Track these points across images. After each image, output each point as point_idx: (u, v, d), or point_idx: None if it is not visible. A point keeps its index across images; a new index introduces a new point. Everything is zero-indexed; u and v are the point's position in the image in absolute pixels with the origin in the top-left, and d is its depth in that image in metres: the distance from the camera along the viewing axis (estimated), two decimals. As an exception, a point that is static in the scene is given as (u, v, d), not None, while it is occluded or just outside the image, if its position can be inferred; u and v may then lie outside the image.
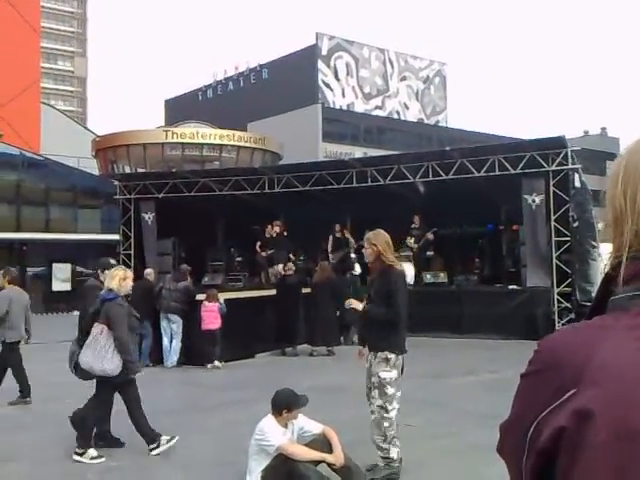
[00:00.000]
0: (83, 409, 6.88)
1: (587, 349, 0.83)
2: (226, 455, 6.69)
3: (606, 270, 0.93)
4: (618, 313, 0.87)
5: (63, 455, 6.81)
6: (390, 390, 5.70)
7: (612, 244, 0.93)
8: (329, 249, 17.26)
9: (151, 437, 6.76)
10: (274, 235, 16.88)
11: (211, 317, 12.46)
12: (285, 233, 17.11)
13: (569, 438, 0.80)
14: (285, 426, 5.37)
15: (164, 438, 6.75)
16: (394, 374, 5.71)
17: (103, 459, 6.57)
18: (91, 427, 6.81)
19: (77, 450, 6.58)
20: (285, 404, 5.34)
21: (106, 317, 6.59)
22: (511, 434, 0.91)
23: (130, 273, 7.04)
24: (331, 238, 17.29)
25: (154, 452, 6.69)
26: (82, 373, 6.80)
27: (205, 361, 12.42)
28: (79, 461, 6.49)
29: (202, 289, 15.37)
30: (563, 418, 0.81)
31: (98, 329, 6.61)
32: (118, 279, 6.75)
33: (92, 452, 6.59)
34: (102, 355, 6.50)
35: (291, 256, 17.12)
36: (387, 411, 5.71)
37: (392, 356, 5.71)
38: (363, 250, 6.09)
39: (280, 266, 16.70)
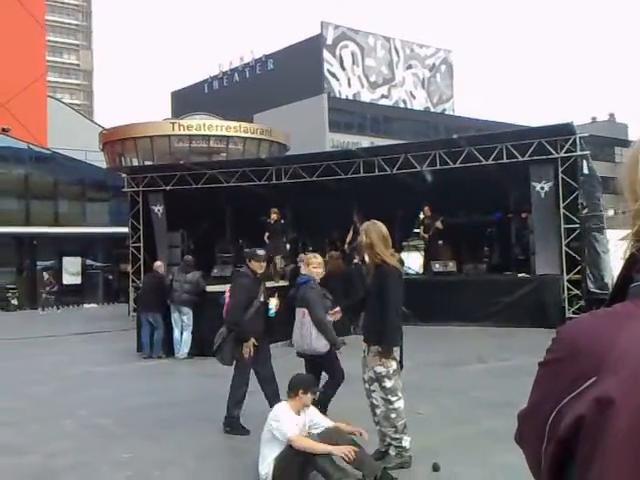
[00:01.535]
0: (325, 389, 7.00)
1: (608, 337, 0.83)
2: (239, 445, 6.73)
3: (626, 257, 0.93)
4: (639, 300, 0.87)
5: (77, 447, 6.86)
6: (388, 383, 5.70)
7: (632, 230, 0.92)
8: (348, 239, 17.15)
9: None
10: (272, 222, 16.80)
11: None
12: (282, 220, 17.02)
13: (589, 426, 0.80)
14: (298, 413, 5.41)
15: None
16: (390, 366, 5.71)
17: None
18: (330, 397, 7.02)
19: None
20: (304, 384, 5.45)
21: (304, 300, 6.90)
22: (530, 422, 0.91)
23: (320, 259, 7.31)
24: (352, 228, 17.17)
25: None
26: (222, 358, 6.89)
27: None
28: None
29: (211, 281, 15.41)
30: (584, 406, 0.81)
31: (300, 313, 6.92)
32: (310, 265, 7.11)
33: None
34: (308, 336, 6.80)
35: (287, 246, 17.08)
36: (391, 403, 5.72)
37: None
38: (359, 239, 6.03)
39: (277, 259, 16.57)
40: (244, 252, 7.95)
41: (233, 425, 7.13)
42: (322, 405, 6.73)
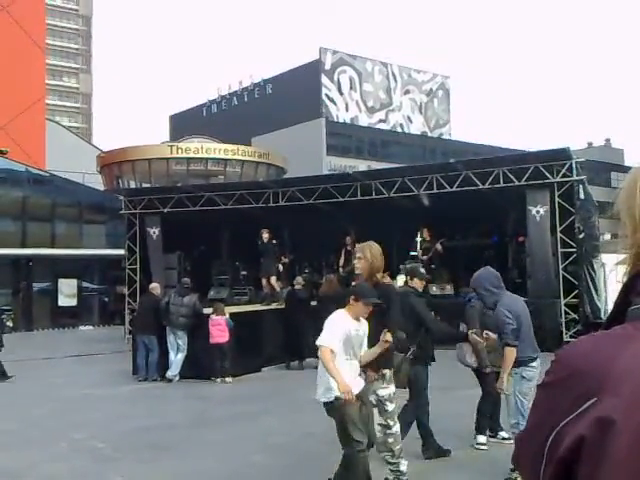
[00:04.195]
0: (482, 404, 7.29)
1: (607, 358, 0.83)
2: (233, 469, 6.66)
3: (624, 280, 0.93)
4: (638, 323, 0.87)
5: (71, 471, 6.79)
6: (390, 406, 5.69)
7: (629, 254, 0.93)
8: (341, 263, 17.12)
9: (481, 429, 7.16)
10: (264, 242, 16.73)
11: (219, 331, 12.39)
12: (274, 241, 16.96)
13: (590, 447, 0.79)
14: (357, 319, 5.35)
15: (502, 433, 7.22)
16: (392, 389, 5.70)
17: (485, 447, 6.98)
18: (485, 415, 7.26)
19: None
20: (354, 292, 5.40)
21: (464, 317, 7.26)
22: (529, 443, 0.91)
23: None
24: (343, 251, 17.13)
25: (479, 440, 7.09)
26: (398, 380, 6.77)
27: (213, 375, 12.33)
28: (478, 447, 7.04)
29: (208, 303, 15.36)
30: (584, 427, 0.80)
31: (462, 327, 7.31)
32: None
33: (480, 439, 7.09)
34: (461, 350, 7.16)
35: (280, 267, 16.98)
36: (389, 427, 5.68)
37: (387, 371, 5.70)
38: (354, 262, 5.95)
39: (273, 279, 16.43)
40: (406, 269, 7.87)
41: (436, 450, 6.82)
42: (479, 425, 7.10)
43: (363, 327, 5.37)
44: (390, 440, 5.69)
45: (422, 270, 7.39)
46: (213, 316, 12.49)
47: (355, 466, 5.18)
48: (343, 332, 5.24)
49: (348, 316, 5.35)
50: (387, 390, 5.66)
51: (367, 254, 5.73)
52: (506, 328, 5.85)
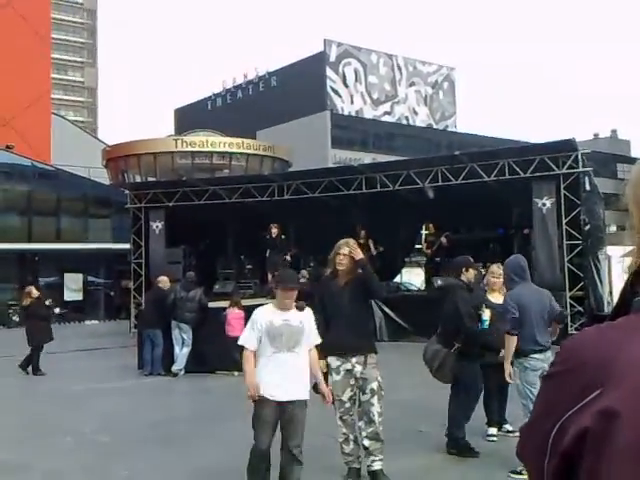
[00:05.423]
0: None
1: (612, 349, 0.82)
2: (238, 463, 6.65)
3: (630, 272, 0.92)
4: None
5: (76, 465, 6.80)
6: (383, 392, 5.66)
7: (636, 246, 0.92)
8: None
9: (493, 421, 7.17)
10: (273, 237, 16.71)
11: (238, 324, 12.30)
12: (283, 236, 16.93)
13: (594, 439, 0.79)
14: (283, 310, 5.13)
15: (506, 426, 7.21)
16: None
17: (495, 439, 6.95)
18: (492, 409, 7.24)
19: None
20: (277, 280, 5.35)
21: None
22: (533, 435, 0.90)
23: (500, 270, 7.45)
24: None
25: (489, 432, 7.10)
26: (444, 376, 6.66)
27: (231, 368, 12.19)
28: (488, 439, 7.02)
29: (213, 297, 15.36)
30: (588, 419, 0.79)
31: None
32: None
33: (491, 430, 7.14)
34: None
35: (288, 258, 16.96)
36: (381, 415, 5.62)
37: (377, 356, 5.70)
38: (340, 258, 5.65)
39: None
40: (455, 260, 7.59)
41: (460, 447, 6.55)
42: (488, 418, 7.11)
43: (297, 317, 5.11)
44: (380, 428, 5.61)
45: (471, 259, 7.35)
46: (235, 309, 12.43)
47: (249, 461, 5.17)
48: (263, 325, 5.06)
49: (272, 308, 5.19)
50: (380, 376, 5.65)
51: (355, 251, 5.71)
52: (506, 317, 6.03)
